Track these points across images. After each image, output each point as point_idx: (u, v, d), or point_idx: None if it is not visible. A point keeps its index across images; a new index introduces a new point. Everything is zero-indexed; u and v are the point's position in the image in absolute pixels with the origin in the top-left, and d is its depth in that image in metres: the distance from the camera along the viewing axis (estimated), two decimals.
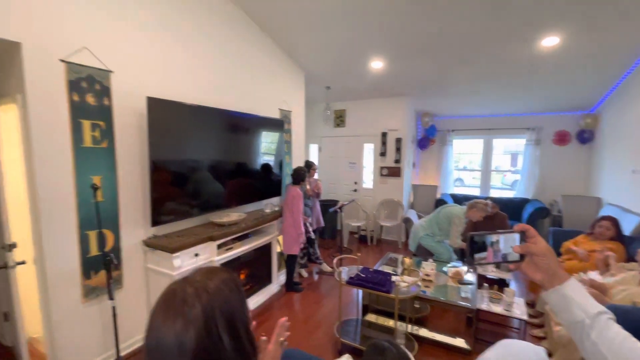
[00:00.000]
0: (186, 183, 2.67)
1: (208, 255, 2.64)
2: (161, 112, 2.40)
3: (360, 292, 3.21)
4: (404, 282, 2.50)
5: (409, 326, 2.80)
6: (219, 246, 2.74)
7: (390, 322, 2.86)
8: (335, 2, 2.92)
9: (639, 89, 3.60)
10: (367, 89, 5.13)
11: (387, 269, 3.08)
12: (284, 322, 0.91)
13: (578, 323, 0.58)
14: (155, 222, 2.42)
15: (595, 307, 0.57)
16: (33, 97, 1.85)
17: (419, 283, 2.67)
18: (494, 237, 0.67)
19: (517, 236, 0.66)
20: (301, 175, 3.56)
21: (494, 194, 6.27)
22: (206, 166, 2.87)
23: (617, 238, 2.97)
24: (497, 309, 2.54)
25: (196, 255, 2.52)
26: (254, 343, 0.64)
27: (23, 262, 1.99)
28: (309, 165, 4.41)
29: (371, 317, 3.03)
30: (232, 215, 3.07)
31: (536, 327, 2.86)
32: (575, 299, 0.58)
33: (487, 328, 2.86)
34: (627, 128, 3.89)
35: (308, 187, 4.04)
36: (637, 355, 0.52)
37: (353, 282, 2.58)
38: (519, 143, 5.86)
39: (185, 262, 2.41)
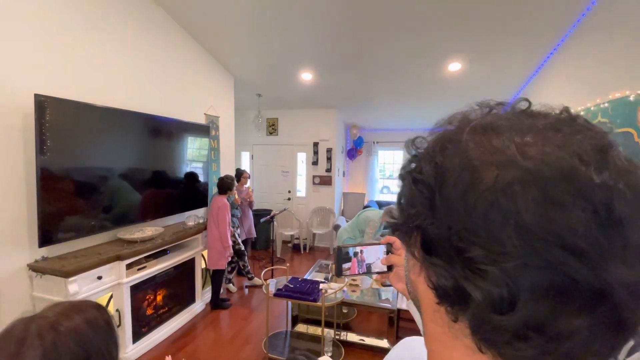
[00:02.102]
0: (91, 194, 2.34)
1: (115, 277, 2.33)
2: (57, 113, 2.07)
3: (290, 303, 3.17)
4: (331, 289, 2.53)
5: (337, 332, 2.84)
6: (129, 266, 2.44)
7: (319, 331, 2.87)
8: (263, 11, 2.90)
9: None
10: (298, 99, 5.19)
11: (318, 276, 3.11)
12: None
13: None
14: (45, 240, 2.04)
15: None
16: None
17: (345, 288, 2.74)
18: (357, 249, 0.69)
19: (382, 248, 0.67)
20: (227, 184, 3.37)
21: None
22: (117, 175, 2.56)
23: None
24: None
25: (99, 278, 2.20)
26: None
27: None
28: (239, 173, 4.24)
29: (301, 328, 3.01)
30: (147, 230, 2.78)
31: None
32: None
33: (408, 326, 3.05)
34: None
35: (236, 196, 3.87)
36: None
37: (281, 293, 2.54)
38: None
39: (84, 287, 2.09)
